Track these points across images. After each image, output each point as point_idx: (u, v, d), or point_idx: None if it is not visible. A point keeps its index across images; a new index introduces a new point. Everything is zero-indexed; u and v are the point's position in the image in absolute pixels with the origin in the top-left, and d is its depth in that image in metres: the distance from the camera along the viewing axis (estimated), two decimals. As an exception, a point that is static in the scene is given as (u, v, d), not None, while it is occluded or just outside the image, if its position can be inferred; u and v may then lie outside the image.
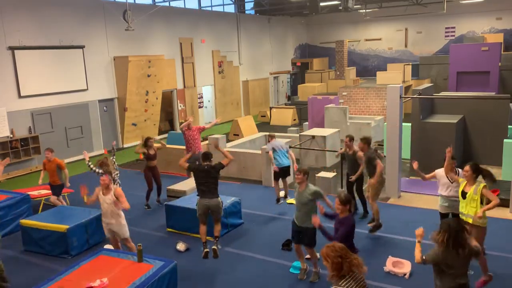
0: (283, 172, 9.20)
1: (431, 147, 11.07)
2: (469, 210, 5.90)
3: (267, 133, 10.04)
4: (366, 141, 7.95)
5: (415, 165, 6.91)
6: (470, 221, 5.89)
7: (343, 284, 3.61)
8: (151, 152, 9.46)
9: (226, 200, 8.40)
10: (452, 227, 4.27)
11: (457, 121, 11.14)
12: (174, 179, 10.83)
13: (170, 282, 5.70)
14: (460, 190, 6.05)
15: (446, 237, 4.24)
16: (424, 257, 4.39)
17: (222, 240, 7.61)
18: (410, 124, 11.49)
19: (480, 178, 6.06)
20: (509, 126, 11.51)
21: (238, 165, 11.52)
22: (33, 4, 13.54)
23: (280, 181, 9.28)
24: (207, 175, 6.95)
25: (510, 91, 17.76)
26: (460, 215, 6.05)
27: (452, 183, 6.55)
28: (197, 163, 9.58)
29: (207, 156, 7.11)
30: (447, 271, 4.32)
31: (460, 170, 6.64)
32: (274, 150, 9.19)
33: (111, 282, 5.30)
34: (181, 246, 7.44)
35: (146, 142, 9.46)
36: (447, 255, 4.25)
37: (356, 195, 8.64)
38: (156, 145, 9.70)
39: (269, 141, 9.67)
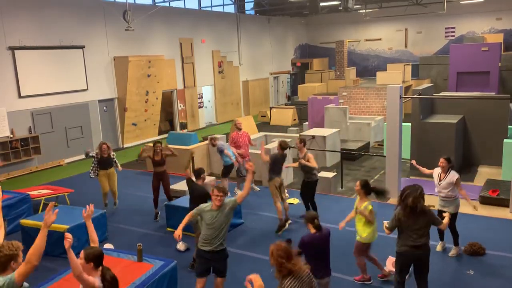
0: (230, 170, 9.76)
1: (431, 147, 11.07)
2: (357, 225, 5.95)
3: (211, 136, 10.07)
4: (283, 144, 8.27)
5: (414, 162, 7.42)
6: (357, 237, 5.93)
7: (287, 283, 3.71)
8: (156, 158, 8.89)
9: (226, 200, 8.39)
10: (409, 192, 4.83)
11: (457, 121, 11.15)
12: (174, 179, 10.82)
13: (170, 282, 5.70)
14: (354, 207, 6.03)
15: (402, 198, 4.87)
16: (386, 226, 5.03)
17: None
18: (410, 124, 11.50)
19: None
20: (509, 126, 11.52)
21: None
22: (33, 4, 13.54)
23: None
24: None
25: (510, 91, 17.76)
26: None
27: (439, 183, 6.75)
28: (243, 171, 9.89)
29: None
30: (404, 231, 4.89)
31: (453, 171, 6.73)
32: (222, 152, 9.53)
33: (111, 282, 5.29)
34: (181, 246, 7.43)
35: (154, 146, 9.01)
36: (403, 215, 4.84)
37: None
38: (166, 152, 9.06)
39: (213, 144, 9.68)
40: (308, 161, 7.99)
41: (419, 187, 4.96)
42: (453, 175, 6.65)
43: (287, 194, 9.89)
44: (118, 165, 9.44)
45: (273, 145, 10.98)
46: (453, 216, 6.66)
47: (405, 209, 4.85)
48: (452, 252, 6.87)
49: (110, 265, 5.70)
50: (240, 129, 10.25)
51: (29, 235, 7.57)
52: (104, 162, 9.14)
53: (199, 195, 6.51)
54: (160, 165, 8.97)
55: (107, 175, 9.21)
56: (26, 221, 7.70)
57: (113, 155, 9.34)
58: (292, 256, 3.78)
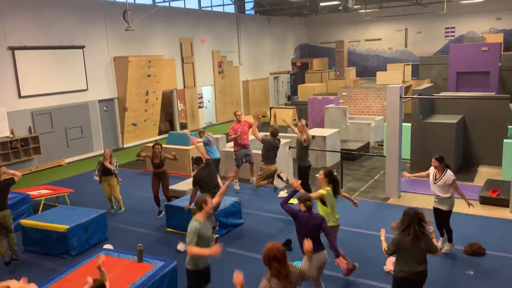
0: (217, 165, 10.32)
1: (431, 147, 11.08)
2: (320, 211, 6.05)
3: (201, 129, 10.81)
4: (274, 131, 9.17)
5: (405, 174, 7.37)
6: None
7: (273, 283, 3.86)
8: (155, 160, 8.87)
9: (226, 200, 8.41)
10: (412, 215, 4.65)
11: (457, 121, 11.15)
12: (175, 179, 10.82)
13: (170, 282, 5.70)
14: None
15: (406, 224, 4.65)
16: (385, 249, 4.87)
17: (223, 240, 7.61)
18: (410, 124, 11.50)
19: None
20: (509, 126, 11.52)
21: (238, 165, 11.51)
22: (33, 4, 13.54)
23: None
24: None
25: (510, 91, 17.76)
26: None
27: (435, 183, 6.78)
28: (244, 160, 10.27)
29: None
30: (404, 256, 4.72)
31: (449, 171, 6.74)
32: (207, 144, 10.09)
33: (111, 282, 5.27)
34: (181, 247, 7.42)
35: (153, 148, 8.93)
36: (404, 240, 4.65)
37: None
38: (166, 155, 8.91)
39: (201, 137, 10.24)
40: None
41: (419, 212, 4.75)
42: (449, 177, 6.64)
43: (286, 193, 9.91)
44: (117, 175, 9.24)
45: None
46: (448, 214, 6.76)
47: (412, 236, 4.64)
48: (446, 248, 6.93)
49: (110, 266, 5.73)
50: (239, 121, 10.38)
51: (29, 235, 7.59)
52: (105, 170, 9.14)
53: (201, 179, 7.11)
54: (159, 167, 8.95)
55: (107, 182, 9.21)
56: (26, 221, 7.71)
57: (114, 164, 9.21)
58: (284, 259, 3.88)
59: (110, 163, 9.12)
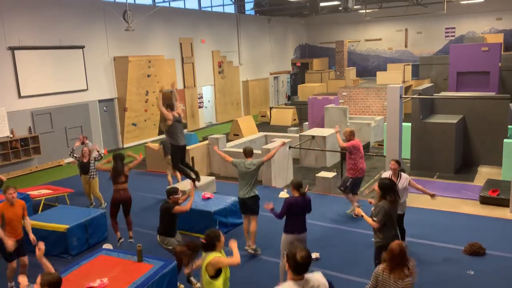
0: None
1: (431, 147, 11.09)
2: None
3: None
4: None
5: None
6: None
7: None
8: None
9: (226, 199, 8.43)
10: (388, 184, 5.24)
11: (457, 121, 11.15)
12: (174, 179, 10.82)
13: (170, 282, 5.69)
14: None
15: (384, 192, 5.17)
16: (375, 219, 5.21)
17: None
18: (410, 124, 11.50)
19: None
20: (509, 126, 11.52)
21: (238, 165, 11.51)
22: (33, 4, 13.54)
23: None
24: None
25: (510, 91, 17.77)
26: None
27: None
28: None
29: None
30: (388, 223, 5.18)
31: (403, 174, 6.77)
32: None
33: (111, 282, 5.29)
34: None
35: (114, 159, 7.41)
36: (389, 207, 5.15)
37: None
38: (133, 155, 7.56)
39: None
40: None
41: (391, 179, 5.45)
42: (405, 179, 6.67)
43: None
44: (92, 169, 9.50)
45: (273, 145, 10.97)
46: (403, 217, 6.76)
47: (392, 203, 5.20)
48: None
49: (110, 266, 5.73)
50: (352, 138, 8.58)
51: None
52: (82, 167, 9.49)
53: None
54: (122, 183, 7.26)
55: (86, 179, 9.52)
56: (26, 221, 7.69)
57: (93, 160, 9.49)
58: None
59: (89, 160, 9.39)
